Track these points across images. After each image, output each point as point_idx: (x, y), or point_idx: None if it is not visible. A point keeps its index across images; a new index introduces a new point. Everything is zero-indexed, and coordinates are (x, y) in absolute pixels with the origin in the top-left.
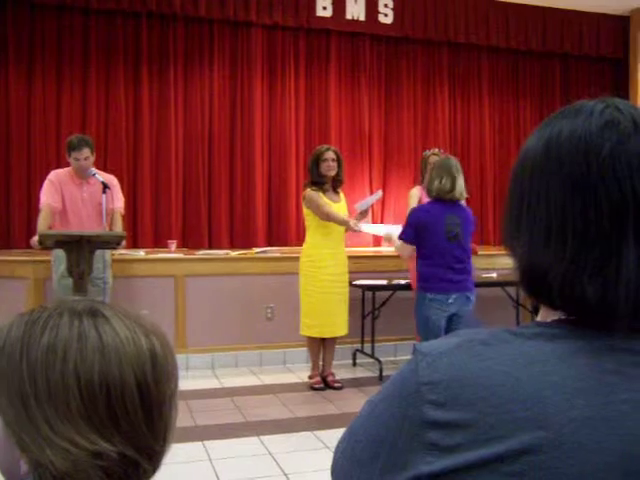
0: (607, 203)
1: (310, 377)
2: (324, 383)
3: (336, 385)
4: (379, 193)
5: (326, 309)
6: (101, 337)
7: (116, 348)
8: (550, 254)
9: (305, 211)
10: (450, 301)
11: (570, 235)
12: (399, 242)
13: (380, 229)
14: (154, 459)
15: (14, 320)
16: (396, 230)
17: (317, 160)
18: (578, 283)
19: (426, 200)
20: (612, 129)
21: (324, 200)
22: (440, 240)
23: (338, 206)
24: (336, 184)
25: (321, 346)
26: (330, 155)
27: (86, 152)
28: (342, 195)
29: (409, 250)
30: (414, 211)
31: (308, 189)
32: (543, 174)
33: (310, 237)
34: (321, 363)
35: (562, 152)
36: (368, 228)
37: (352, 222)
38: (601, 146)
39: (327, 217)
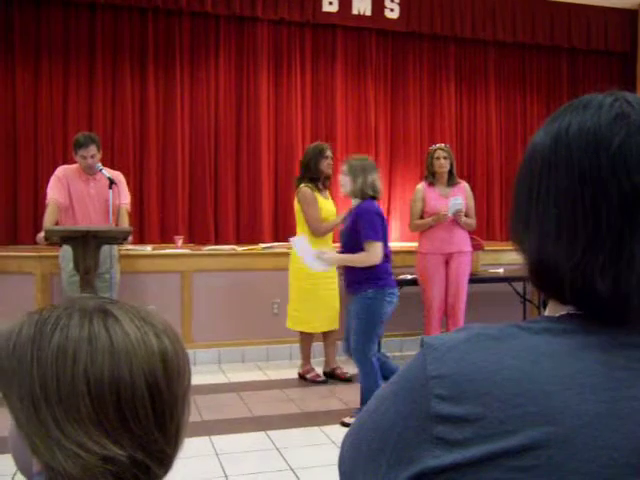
0: (618, 196)
1: (303, 373)
2: (333, 376)
3: (346, 376)
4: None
5: (318, 305)
6: (111, 338)
7: (126, 350)
8: (561, 248)
9: (297, 207)
10: (397, 293)
11: (581, 229)
12: (375, 243)
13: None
14: (165, 462)
15: (24, 319)
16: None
17: (318, 155)
18: (589, 276)
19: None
20: (622, 122)
21: (325, 208)
22: (387, 237)
23: (328, 203)
24: (326, 182)
25: (311, 341)
26: (330, 153)
27: (92, 150)
28: (328, 193)
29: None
30: (374, 209)
31: (303, 186)
32: (552, 168)
33: (299, 233)
34: (321, 359)
35: (572, 146)
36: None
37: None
38: (611, 139)
39: (317, 230)
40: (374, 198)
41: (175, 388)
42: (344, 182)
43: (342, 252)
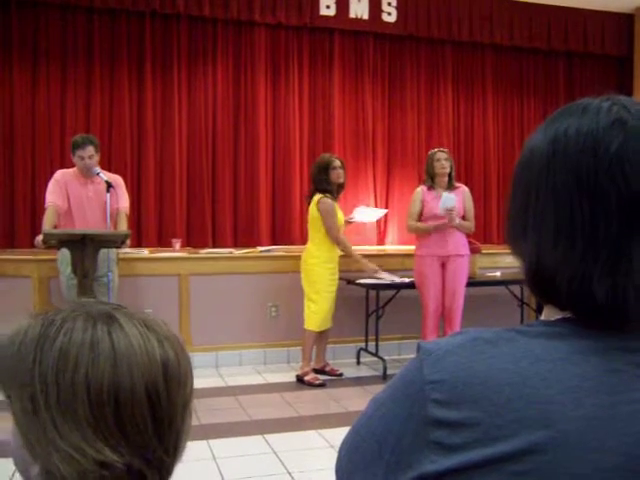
0: (616, 202)
1: (303, 374)
2: (323, 372)
3: (338, 372)
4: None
5: (330, 305)
6: (114, 345)
7: (128, 357)
8: (559, 254)
9: (314, 215)
10: None
11: (579, 235)
12: None
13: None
14: (163, 471)
15: (32, 320)
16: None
17: (327, 168)
18: (587, 284)
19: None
20: (620, 127)
21: (339, 217)
22: None
23: (340, 212)
24: (339, 190)
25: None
26: (338, 163)
27: (90, 150)
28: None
29: None
30: None
31: (323, 196)
32: (550, 173)
33: (319, 239)
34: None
35: (569, 150)
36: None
37: (370, 267)
38: (609, 144)
39: (336, 239)
40: None
41: (175, 397)
42: None
43: None
